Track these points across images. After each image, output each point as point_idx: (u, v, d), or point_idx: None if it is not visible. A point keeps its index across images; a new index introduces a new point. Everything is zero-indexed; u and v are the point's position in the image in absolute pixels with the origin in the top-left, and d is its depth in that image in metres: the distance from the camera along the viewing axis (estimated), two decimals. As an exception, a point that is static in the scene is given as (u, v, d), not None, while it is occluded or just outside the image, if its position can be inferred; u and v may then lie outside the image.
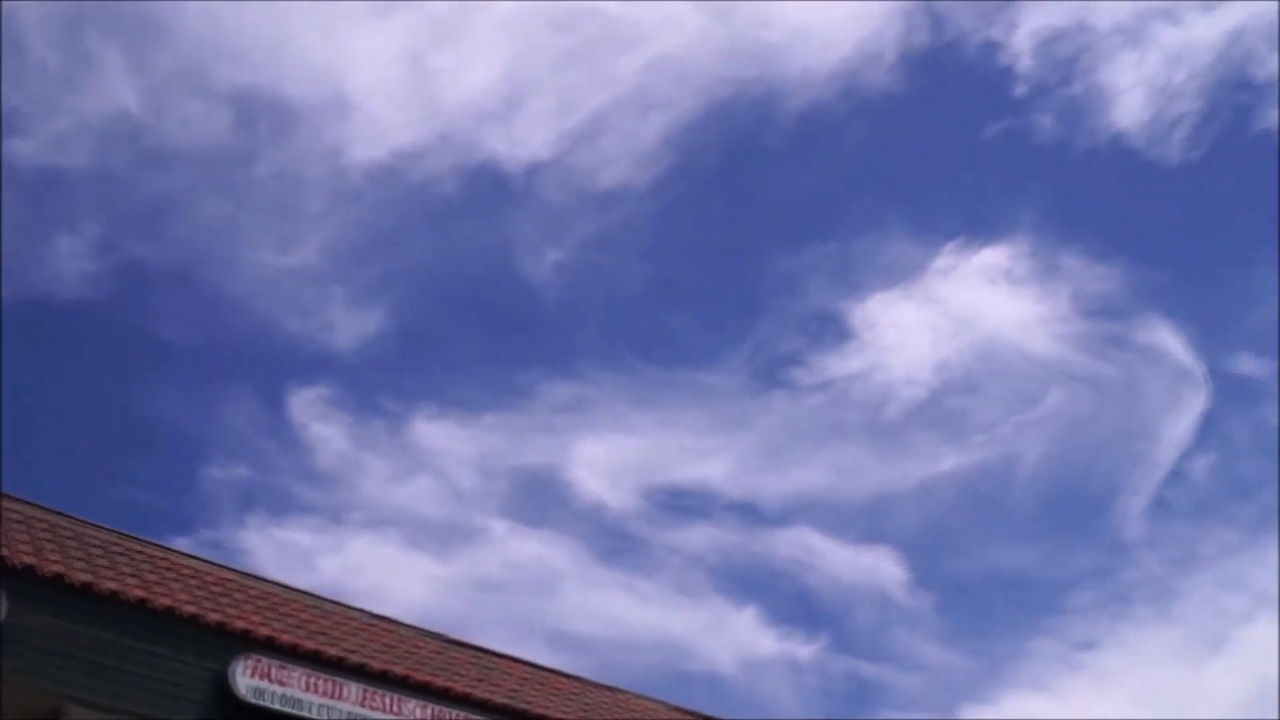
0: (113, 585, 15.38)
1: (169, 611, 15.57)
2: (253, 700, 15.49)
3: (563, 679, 20.49)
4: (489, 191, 48.35)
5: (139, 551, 17.16)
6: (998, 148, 50.24)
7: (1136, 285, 48.53)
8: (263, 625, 16.50)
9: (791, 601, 47.47)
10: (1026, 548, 49.38)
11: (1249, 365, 46.75)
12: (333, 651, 16.80)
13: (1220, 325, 49.98)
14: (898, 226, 50.82)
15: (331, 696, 16.21)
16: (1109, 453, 48.88)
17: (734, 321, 51.43)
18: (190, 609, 15.84)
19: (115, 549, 16.81)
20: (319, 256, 46.69)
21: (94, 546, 16.56)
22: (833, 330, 49.10)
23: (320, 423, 45.11)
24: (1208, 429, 46.47)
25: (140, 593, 15.63)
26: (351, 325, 46.77)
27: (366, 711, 16.34)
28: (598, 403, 47.79)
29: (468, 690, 17.71)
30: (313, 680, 16.17)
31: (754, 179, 51.39)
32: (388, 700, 16.66)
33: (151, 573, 16.58)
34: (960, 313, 47.46)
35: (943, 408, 47.95)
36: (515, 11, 46.97)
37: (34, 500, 17.01)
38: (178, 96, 45.12)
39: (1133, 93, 46.88)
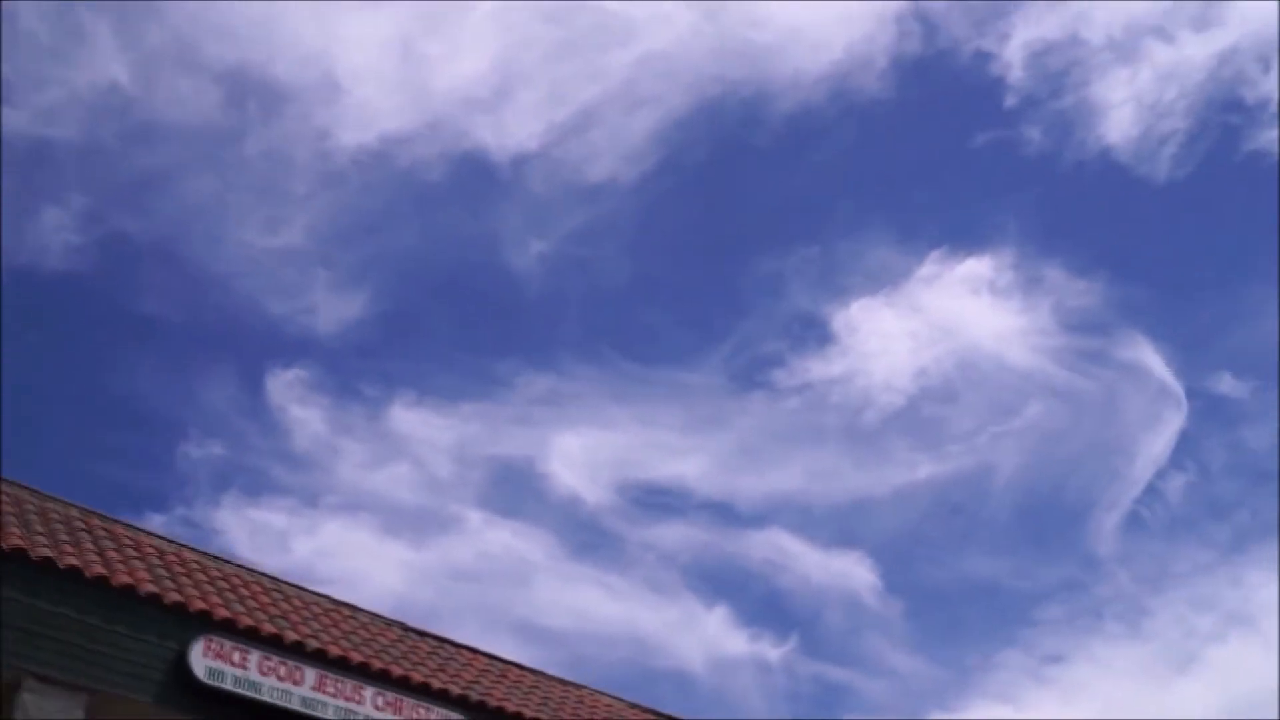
0: (74, 562, 15.44)
1: (129, 590, 15.62)
2: (209, 682, 15.56)
3: (523, 672, 20.61)
4: (476, 180, 48.49)
5: (103, 529, 17.23)
6: (986, 158, 50.50)
7: (1119, 301, 48.78)
8: (223, 607, 16.57)
9: (763, 603, 47.69)
10: (999, 559, 49.63)
11: (1228, 386, 47.08)
12: (292, 636, 16.88)
13: (1201, 345, 50.28)
14: (883, 232, 51.04)
15: (288, 681, 16.29)
16: (1085, 467, 49.15)
17: (715, 321, 51.62)
18: (150, 588, 15.90)
19: (79, 525, 16.88)
20: (304, 238, 46.79)
21: (58, 522, 16.62)
22: (814, 334, 49.32)
23: (298, 405, 45.25)
24: (1184, 448, 46.82)
25: (101, 570, 15.68)
26: (334, 309, 46.89)
27: (322, 697, 16.42)
28: (576, 396, 47.95)
29: (425, 679, 17.81)
30: (270, 664, 16.25)
31: (741, 178, 51.57)
32: (344, 686, 16.74)
33: (115, 550, 16.64)
34: (942, 321, 47.69)
35: (921, 416, 48.18)
36: (508, 2, 47.11)
37: (1, 474, 17.07)
38: (168, 72, 45.17)
39: (1123, 108, 47.15)
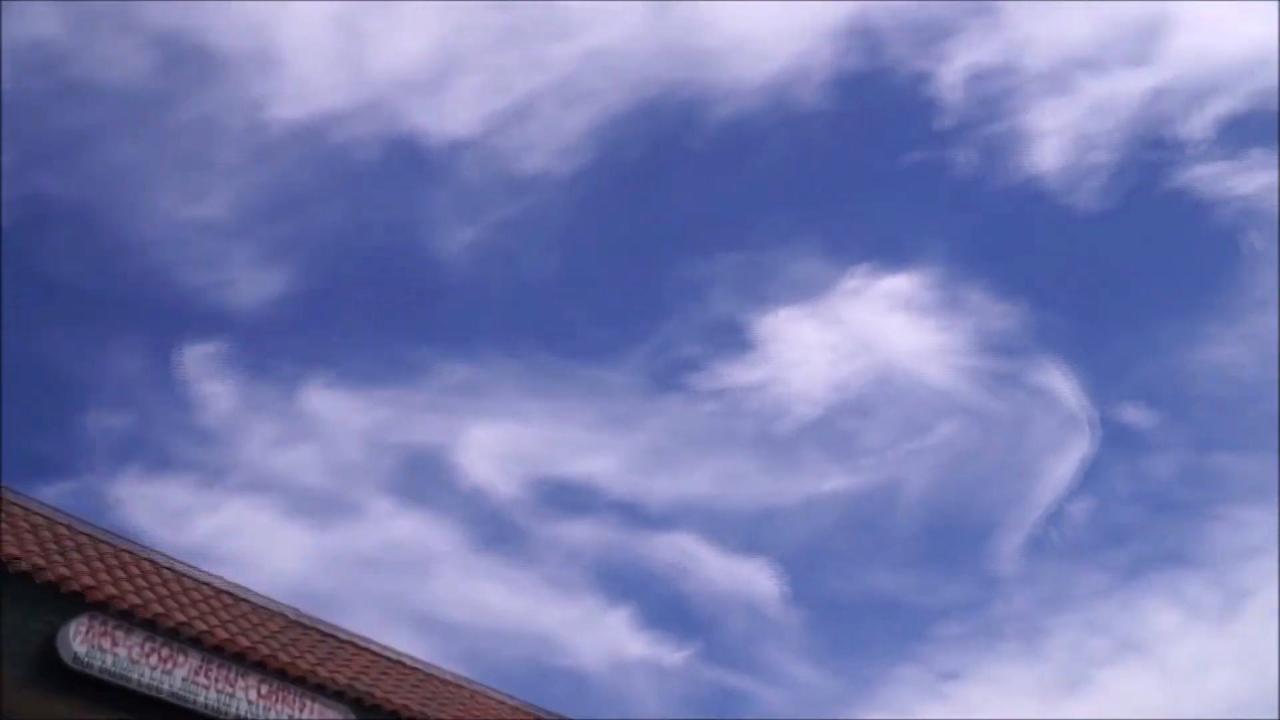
0: (-50, 532, 15.06)
1: (2, 565, 15.23)
2: (76, 666, 15.16)
3: (410, 667, 20.38)
4: (408, 164, 48.09)
5: (-15, 499, 16.81)
6: (917, 176, 50.80)
7: (1036, 326, 49.25)
8: (106, 586, 16.21)
9: (666, 605, 47.66)
10: (902, 573, 49.93)
11: (1136, 415, 47.66)
12: (174, 619, 16.54)
13: (1113, 374, 50.88)
14: (810, 243, 51.21)
15: (165, 666, 15.96)
16: (992, 488, 49.57)
17: (637, 320, 51.55)
18: (27, 563, 15.51)
19: (-40, 494, 16.47)
20: (229, 210, 46.19)
21: (-63, 489, 16.22)
22: (735, 340, 49.34)
23: (210, 379, 44.59)
24: (1090, 474, 47.38)
25: (-23, 542, 15.30)
26: (254, 284, 46.32)
27: (198, 686, 16.10)
28: (492, 387, 47.69)
29: (308, 670, 17.51)
30: (147, 648, 15.89)
31: (673, 181, 51.52)
32: (223, 674, 16.42)
33: (-5, 522, 16.25)
34: (862, 335, 47.91)
35: (835, 428, 48.37)
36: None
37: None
38: (104, 31, 44.41)
39: (1053, 137, 47.67)
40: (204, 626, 16.81)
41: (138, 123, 45.96)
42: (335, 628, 19.91)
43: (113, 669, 15.39)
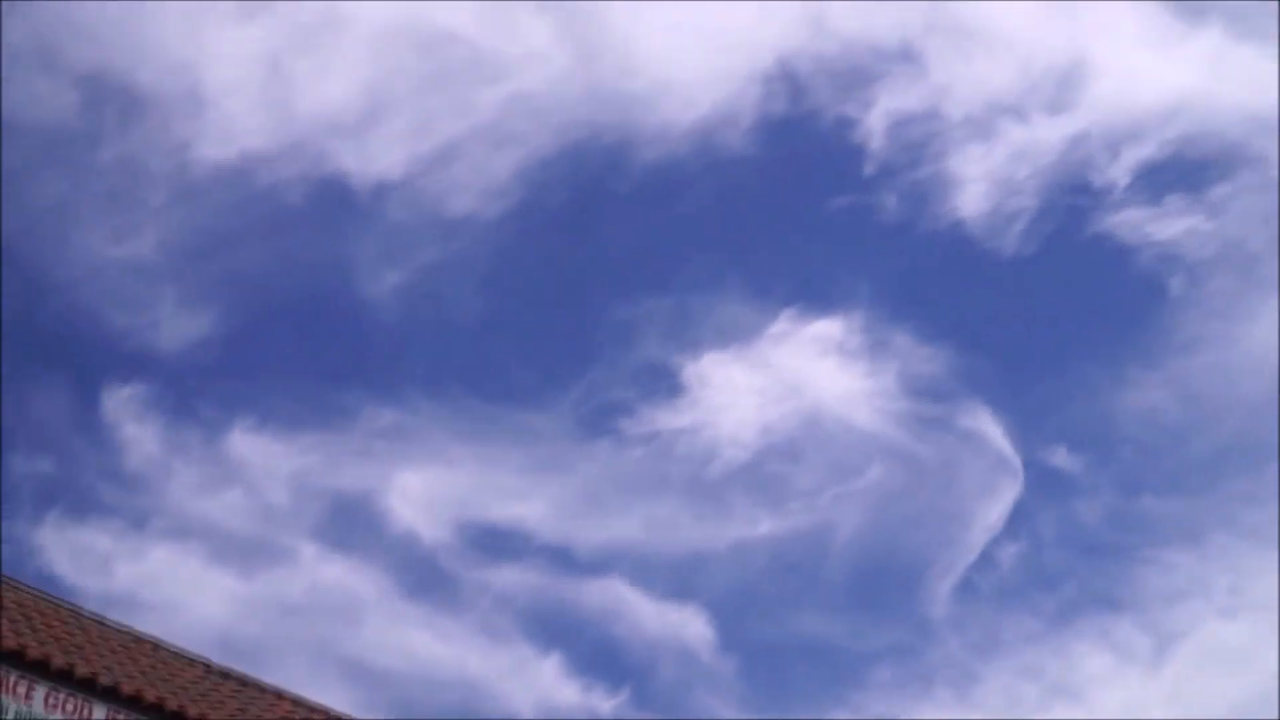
0: None
1: (-93, 615, 14.89)
2: (-18, 717, 14.86)
3: (331, 718, 20.07)
4: (334, 205, 47.68)
5: (-110, 547, 16.45)
6: (841, 222, 51.00)
7: (961, 370, 49.42)
8: (13, 637, 15.86)
9: (597, 652, 47.27)
10: (834, 619, 49.81)
11: (1063, 459, 48.00)
12: (84, 670, 16.21)
13: (1039, 417, 51.11)
14: (737, 288, 51.26)
15: (75, 718, 15.63)
16: (921, 532, 49.66)
17: (565, 365, 51.23)
18: (-67, 614, 15.18)
19: None
20: (153, 251, 45.55)
21: None
22: (664, 384, 49.18)
23: (133, 423, 43.89)
24: (1018, 518, 47.50)
25: (-119, 592, 14.94)
26: (178, 325, 45.65)
27: (109, 737, 15.79)
28: (420, 432, 47.25)
29: (224, 721, 17.26)
30: (57, 699, 15.58)
31: (600, 224, 51.48)
32: (135, 726, 16.13)
33: (-100, 571, 15.90)
34: (790, 379, 47.99)
35: (764, 472, 48.32)
36: (382, 29, 46.58)
37: None
38: (25, 70, 43.80)
39: (976, 184, 48.02)
40: (116, 678, 16.49)
41: (61, 162, 45.37)
42: (254, 678, 19.59)
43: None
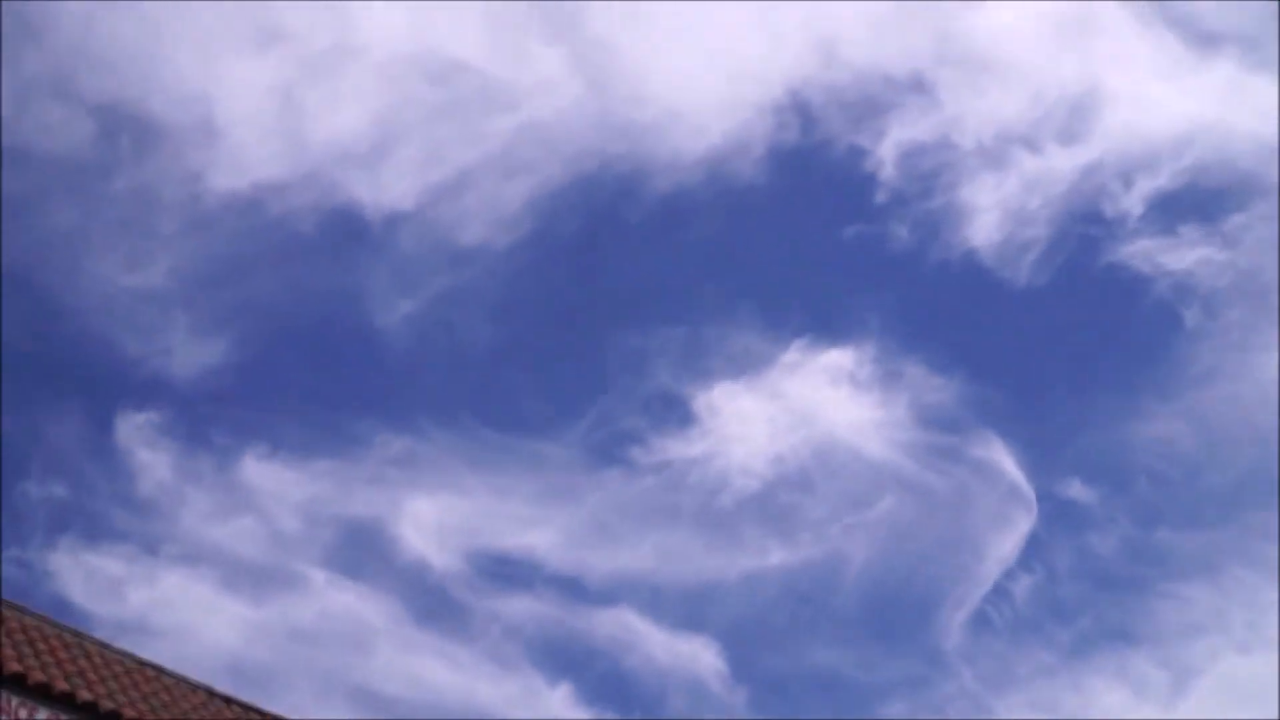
0: None
1: (-92, 639, 14.96)
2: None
3: (333, 743, 20.12)
4: (346, 235, 47.87)
5: (-105, 572, 16.53)
6: (853, 251, 50.96)
7: (974, 400, 49.27)
8: (14, 661, 15.93)
9: (607, 682, 47.13)
10: (845, 650, 49.60)
11: (1077, 490, 47.73)
12: (86, 695, 16.28)
13: (1052, 449, 50.88)
14: (748, 318, 51.22)
15: (75, 743, 15.69)
16: (934, 563, 49.43)
17: (576, 393, 51.25)
18: (-65, 638, 15.25)
19: None
20: (166, 279, 45.76)
21: None
22: (675, 414, 49.15)
23: (146, 449, 43.99)
24: (1033, 550, 47.23)
25: (-116, 616, 15.02)
26: (191, 353, 45.81)
27: (108, 762, 15.82)
28: (431, 460, 47.28)
29: (225, 748, 17.30)
30: (57, 724, 15.64)
31: (611, 254, 51.56)
32: (136, 751, 16.17)
33: (-97, 595, 15.98)
34: (801, 409, 47.90)
35: (775, 502, 48.20)
36: (393, 59, 46.83)
37: None
38: (41, 100, 44.17)
39: (988, 213, 47.94)
40: (117, 703, 16.54)
41: (75, 191, 45.63)
42: (255, 705, 19.62)
43: (19, 746, 15.11)
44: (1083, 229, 48.07)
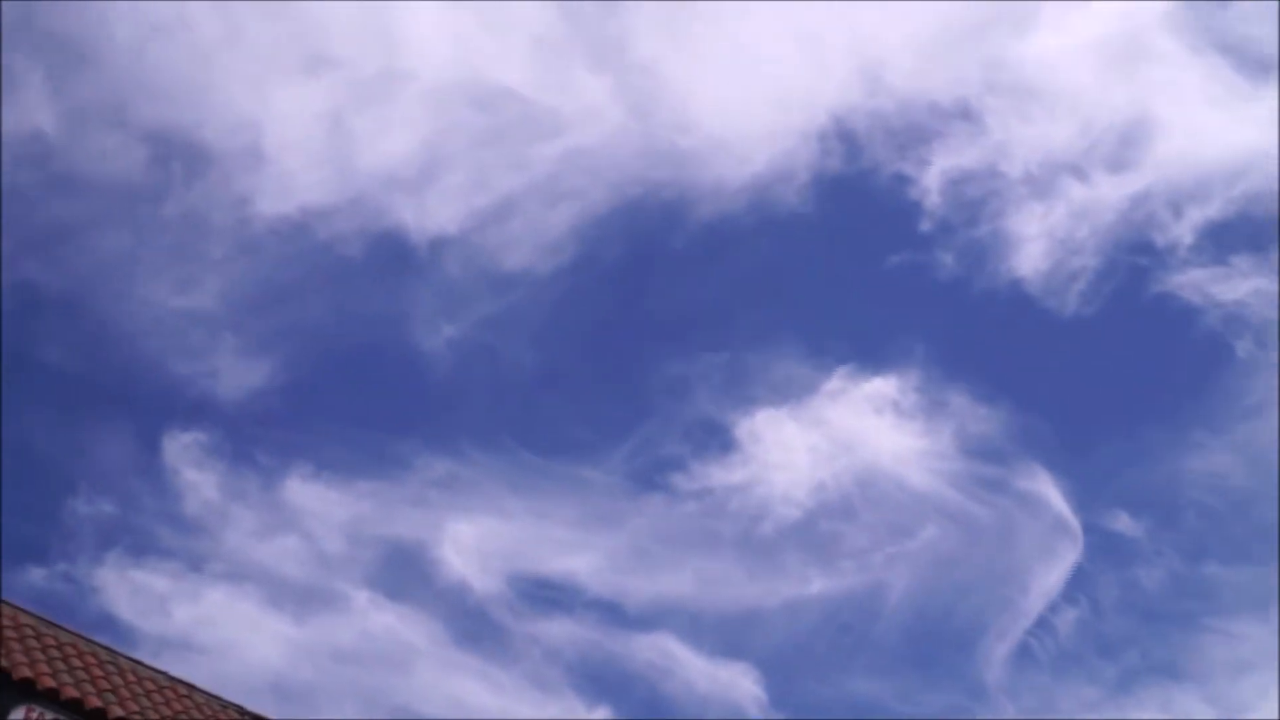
0: (-108, 620, 15.06)
1: (-57, 653, 15.24)
2: (13, 755, 15.15)
3: (363, 763, 20.28)
4: (392, 259, 48.28)
5: (-66, 587, 16.84)
6: (898, 279, 50.84)
7: (1019, 431, 48.96)
8: (47, 677, 16.18)
9: (645, 708, 47.07)
10: (885, 680, 49.33)
11: (1124, 523, 47.28)
12: (118, 711, 16.51)
13: (1099, 481, 50.47)
14: (792, 345, 51.19)
15: (105, 758, 15.90)
16: (977, 595, 49.10)
17: (619, 419, 51.37)
18: (-30, 653, 15.52)
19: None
20: (215, 302, 46.32)
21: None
22: (717, 440, 49.16)
23: (193, 468, 44.47)
24: (1078, 582, 46.81)
25: (-80, 630, 15.30)
26: (238, 374, 46.29)
27: (137, 778, 16.03)
28: (473, 483, 47.51)
29: (254, 766, 17.48)
30: (88, 739, 15.87)
31: (655, 280, 51.69)
32: (165, 768, 16.38)
33: (-59, 610, 16.27)
34: (844, 438, 47.75)
35: (816, 530, 48.07)
36: (440, 85, 47.24)
37: None
38: (95, 126, 44.88)
39: (1035, 242, 47.70)
40: (148, 719, 16.76)
41: (126, 216, 46.28)
42: (288, 723, 19.84)
43: (49, 760, 15.35)
44: (1132, 259, 47.72)
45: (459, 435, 49.07)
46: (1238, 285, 46.57)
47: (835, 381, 48.32)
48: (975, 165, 48.21)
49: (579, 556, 47.65)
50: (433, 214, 48.02)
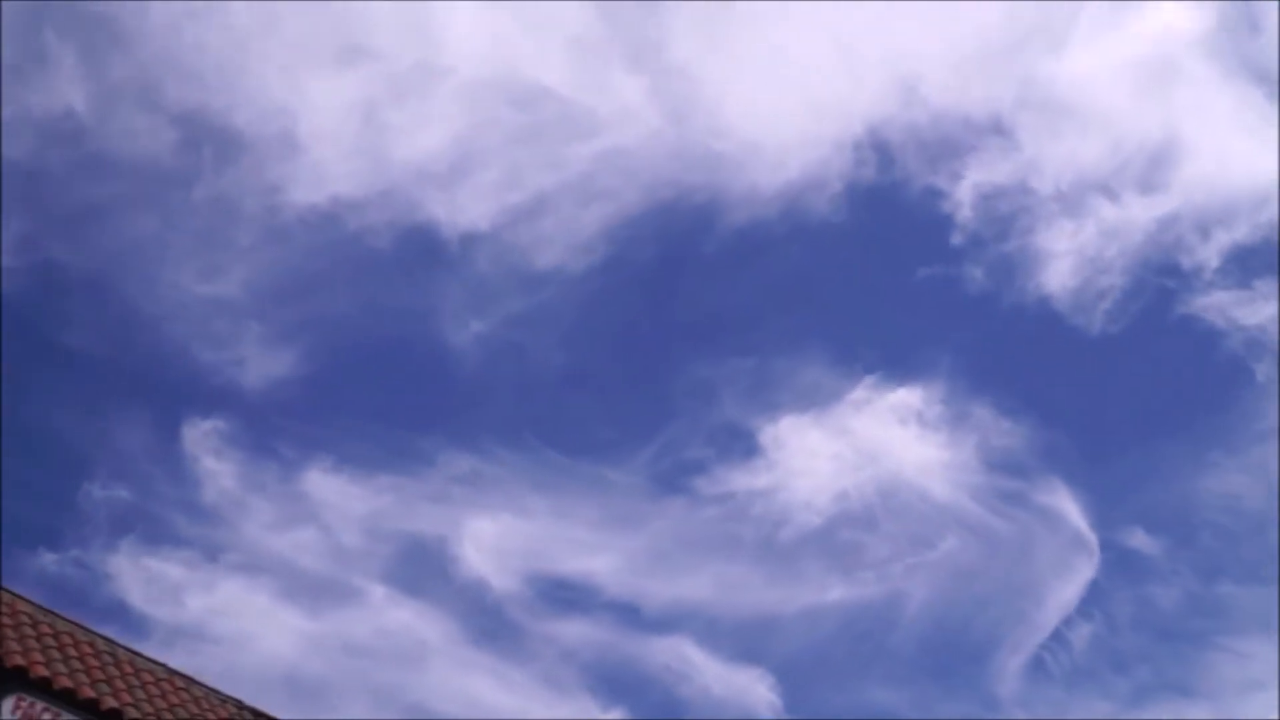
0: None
1: (-65, 640, 15.23)
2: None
3: (359, 763, 20.22)
4: (422, 254, 48.30)
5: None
6: (927, 291, 50.73)
7: (1041, 446, 48.77)
8: (41, 665, 16.16)
9: (660, 711, 47.00)
10: (900, 689, 49.17)
11: (1140, 541, 47.19)
12: (111, 702, 16.47)
13: (1118, 498, 50.33)
14: (819, 353, 51.06)
15: (96, 750, 15.88)
16: (993, 607, 48.93)
17: (644, 421, 51.33)
18: (-37, 639, 15.51)
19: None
20: (241, 290, 46.40)
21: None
22: (741, 445, 49.06)
23: (212, 457, 44.54)
24: (1093, 598, 46.74)
25: (-85, 615, 15.29)
26: (262, 364, 46.36)
27: (126, 771, 15.99)
28: (495, 480, 47.49)
29: (248, 762, 17.43)
30: (79, 730, 15.84)
31: (685, 283, 51.62)
32: (156, 762, 16.34)
33: (-62, 595, 16.27)
34: (868, 447, 47.64)
35: (837, 538, 47.94)
36: (476, 81, 47.25)
37: None
38: (127, 107, 45.00)
39: (1064, 259, 47.60)
40: (142, 712, 16.73)
41: (155, 199, 46.41)
42: None
43: (36, 751, 15.33)
44: (1158, 279, 47.61)
45: (483, 432, 49.06)
46: (1260, 309, 46.50)
47: (861, 391, 48.19)
48: (1007, 181, 48.08)
49: (598, 557, 47.61)
50: (465, 209, 48.03)
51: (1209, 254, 46.72)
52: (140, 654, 18.56)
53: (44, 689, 15.77)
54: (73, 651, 17.18)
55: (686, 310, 51.97)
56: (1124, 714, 46.58)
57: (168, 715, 17.11)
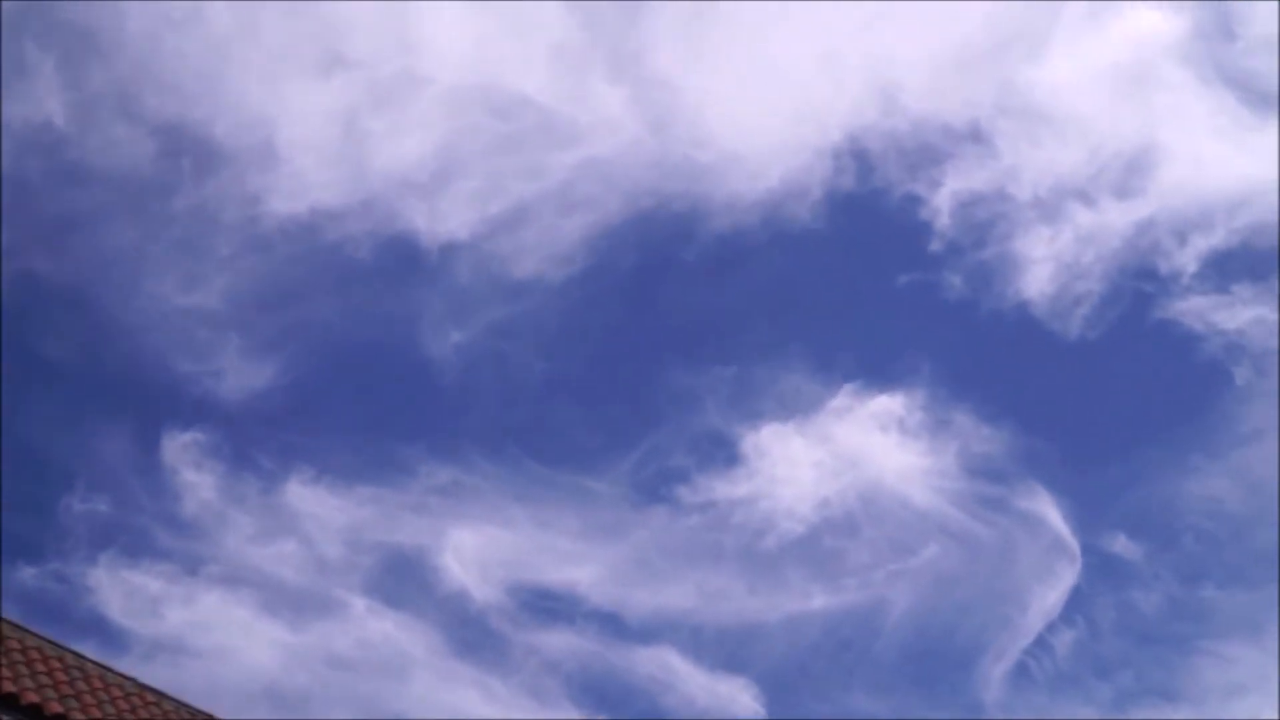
0: None
1: (-101, 656, 15.14)
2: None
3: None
4: (402, 263, 48.27)
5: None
6: (907, 298, 50.77)
7: (1022, 452, 48.84)
8: (10, 681, 16.07)
9: (644, 721, 47.04)
10: (884, 697, 49.14)
11: (1122, 545, 47.30)
12: (79, 717, 16.39)
13: (1099, 503, 50.41)
14: (800, 360, 51.07)
15: (63, 766, 15.79)
16: (976, 613, 48.96)
17: (625, 430, 51.26)
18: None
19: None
20: (220, 300, 46.30)
21: None
22: (723, 453, 49.06)
23: (192, 469, 44.42)
24: (1076, 603, 46.81)
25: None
26: (241, 375, 46.25)
27: (93, 787, 15.91)
28: (476, 491, 47.42)
29: (218, 777, 17.36)
30: (46, 746, 15.75)
31: (665, 292, 51.62)
32: (125, 777, 16.26)
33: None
34: (849, 454, 47.68)
35: (819, 546, 47.94)
36: (456, 90, 47.24)
37: None
38: (105, 117, 44.93)
39: (1042, 265, 47.72)
40: (110, 727, 16.67)
41: (134, 209, 46.24)
42: (259, 732, 19.72)
43: (-1, 768, 15.24)
44: (1136, 284, 47.78)
45: (464, 442, 49.00)
46: (1239, 314, 46.64)
47: (841, 398, 48.23)
48: (985, 188, 48.21)
49: (581, 567, 47.55)
50: (445, 219, 48.00)
51: (1186, 259, 46.90)
52: (111, 668, 18.48)
53: (11, 705, 15.67)
54: (40, 667, 17.09)
55: (667, 319, 52.01)
56: (1108, 718, 46.74)
57: (137, 730, 17.04)
